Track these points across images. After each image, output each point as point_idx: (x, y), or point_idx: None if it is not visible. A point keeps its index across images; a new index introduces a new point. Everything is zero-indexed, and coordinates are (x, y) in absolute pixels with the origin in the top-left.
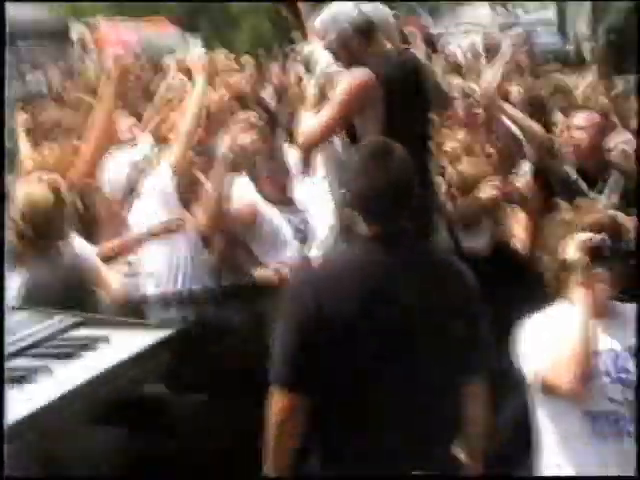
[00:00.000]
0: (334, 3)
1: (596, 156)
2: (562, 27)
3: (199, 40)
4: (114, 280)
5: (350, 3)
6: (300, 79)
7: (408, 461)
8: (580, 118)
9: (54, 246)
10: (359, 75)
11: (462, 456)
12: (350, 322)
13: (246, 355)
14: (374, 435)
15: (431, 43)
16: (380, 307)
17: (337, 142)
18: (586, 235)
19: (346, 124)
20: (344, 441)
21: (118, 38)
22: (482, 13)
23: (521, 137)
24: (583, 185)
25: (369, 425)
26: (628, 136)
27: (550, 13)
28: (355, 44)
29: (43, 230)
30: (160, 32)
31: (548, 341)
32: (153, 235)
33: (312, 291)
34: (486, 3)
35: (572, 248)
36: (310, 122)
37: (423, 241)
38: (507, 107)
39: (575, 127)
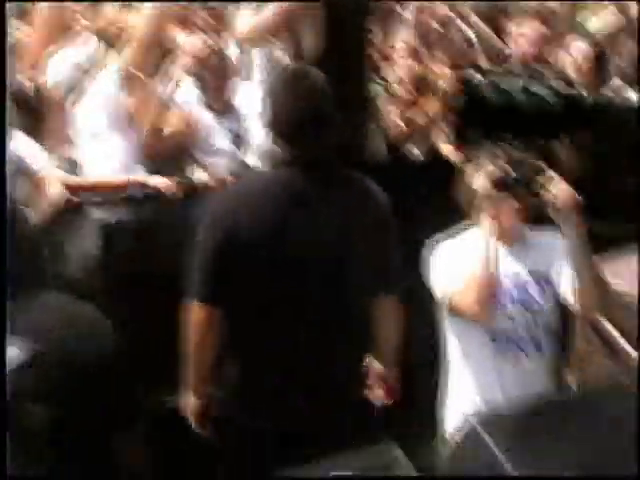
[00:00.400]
0: None
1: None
2: None
3: None
4: (54, 184)
5: None
6: None
7: (321, 371)
8: (525, 27)
9: None
10: None
11: (376, 365)
12: (263, 242)
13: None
14: (287, 346)
15: None
16: (293, 228)
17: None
18: (491, 164)
19: (286, 28)
20: (259, 351)
21: None
22: None
23: (475, 41)
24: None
25: (282, 338)
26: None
27: None
28: None
29: None
30: None
31: (457, 264)
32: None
33: (229, 211)
34: None
35: (480, 178)
36: (252, 18)
37: (341, 165)
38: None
39: (520, 35)
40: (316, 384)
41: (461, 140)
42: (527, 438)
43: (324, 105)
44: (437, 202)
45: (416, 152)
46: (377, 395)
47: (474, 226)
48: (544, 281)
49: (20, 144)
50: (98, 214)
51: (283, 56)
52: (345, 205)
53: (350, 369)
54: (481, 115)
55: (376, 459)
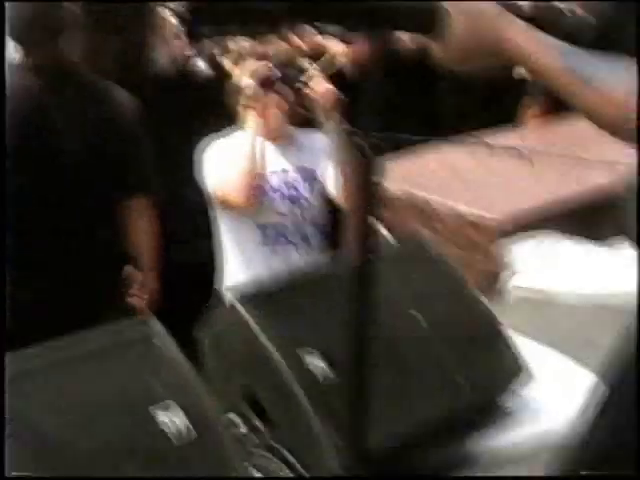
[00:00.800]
0: None
1: None
2: None
3: None
4: None
5: None
6: None
7: (75, 283)
8: None
9: None
10: None
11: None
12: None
13: None
14: (44, 256)
15: None
16: (34, 130)
17: None
18: (255, 64)
19: None
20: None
21: None
22: None
23: None
24: None
25: (39, 247)
26: None
27: None
28: None
29: None
30: None
31: (225, 161)
32: None
33: None
34: None
35: (244, 76)
36: None
37: (79, 70)
38: None
39: None
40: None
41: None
42: (283, 312)
43: (55, 11)
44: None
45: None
46: (139, 302)
47: (243, 127)
48: (311, 178)
49: None
50: None
51: None
52: (83, 110)
53: (108, 277)
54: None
55: (133, 331)
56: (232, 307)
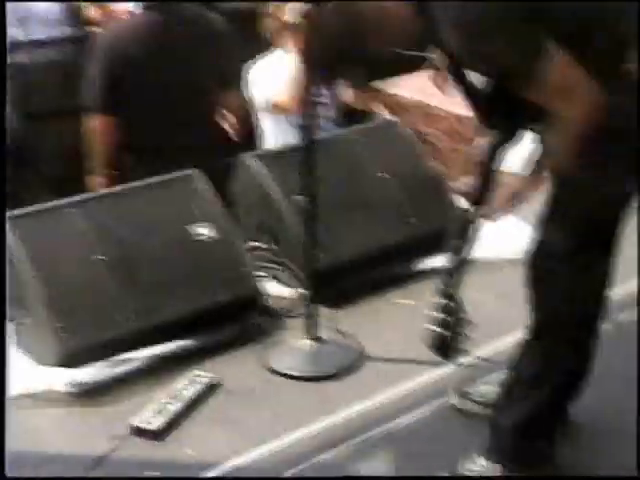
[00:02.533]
0: None
1: None
2: None
3: None
4: None
5: None
6: None
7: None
8: None
9: None
10: None
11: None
12: (140, 63)
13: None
14: (168, 146)
15: None
16: (161, 53)
17: None
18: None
19: None
20: (147, 153)
21: None
22: None
23: None
24: None
25: (164, 138)
26: None
27: None
28: None
29: None
30: None
31: (273, 76)
32: None
33: (114, 43)
34: None
35: (290, 12)
36: None
37: (189, 7)
38: None
39: None
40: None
41: None
42: (284, 167)
43: None
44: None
45: None
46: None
47: (279, 50)
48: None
49: None
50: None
51: None
52: (193, 33)
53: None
54: None
55: (182, 177)
56: (249, 163)
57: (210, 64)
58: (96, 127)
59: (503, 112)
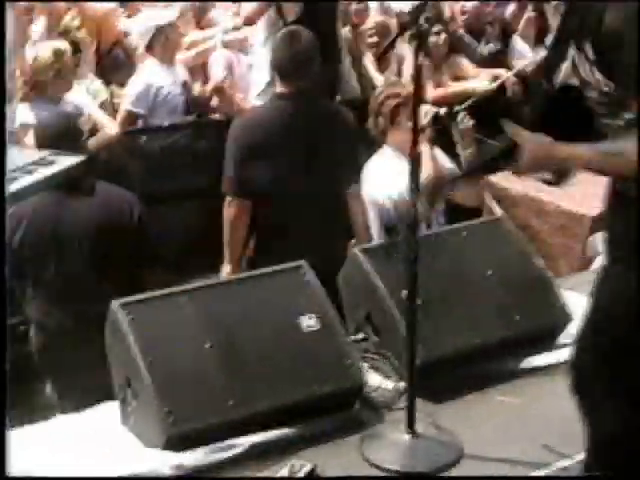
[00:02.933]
0: None
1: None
2: None
3: None
4: (110, 123)
5: None
6: None
7: (313, 250)
8: None
9: (58, 96)
10: None
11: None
12: (272, 150)
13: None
14: (292, 231)
15: None
16: (289, 141)
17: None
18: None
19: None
20: (272, 236)
21: None
22: None
23: None
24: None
25: (288, 224)
26: None
27: None
28: None
29: (54, 80)
30: None
31: (392, 174)
32: None
33: (246, 127)
34: None
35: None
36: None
37: (318, 95)
38: None
39: None
40: (312, 249)
41: None
42: (391, 262)
43: (311, 53)
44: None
45: None
46: None
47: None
48: None
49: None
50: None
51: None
52: (322, 125)
53: (338, 230)
54: None
55: (292, 270)
56: (356, 256)
57: (341, 160)
58: (231, 212)
59: None
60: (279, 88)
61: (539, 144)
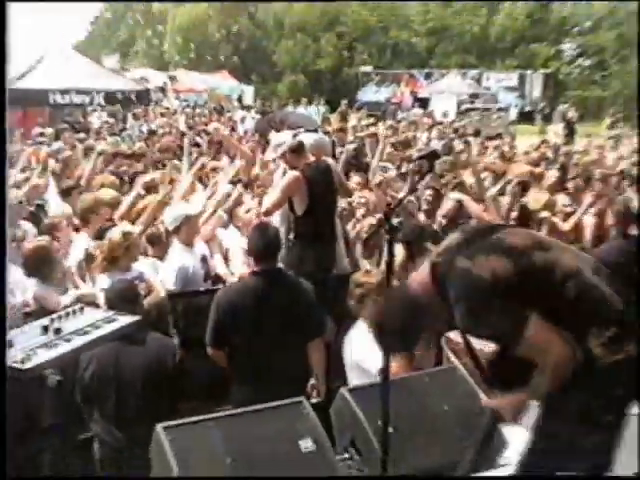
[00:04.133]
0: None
1: None
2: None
3: (252, 88)
4: (159, 287)
5: (290, 132)
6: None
7: (280, 389)
8: None
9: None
10: (291, 175)
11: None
12: (243, 316)
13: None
14: (260, 373)
15: (418, 99)
16: (260, 307)
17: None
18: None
19: (286, 200)
20: (246, 374)
21: (191, 85)
22: (455, 81)
23: None
24: None
25: (258, 368)
26: None
27: (513, 81)
28: (292, 157)
29: (124, 254)
30: (223, 82)
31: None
32: None
33: (225, 298)
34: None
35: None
36: (267, 200)
37: (285, 272)
38: None
39: None
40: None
41: None
42: (373, 399)
43: (277, 242)
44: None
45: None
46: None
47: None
48: None
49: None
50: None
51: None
52: (286, 294)
53: (299, 373)
54: None
55: (293, 404)
56: (343, 395)
57: (300, 320)
58: (213, 355)
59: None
60: (254, 267)
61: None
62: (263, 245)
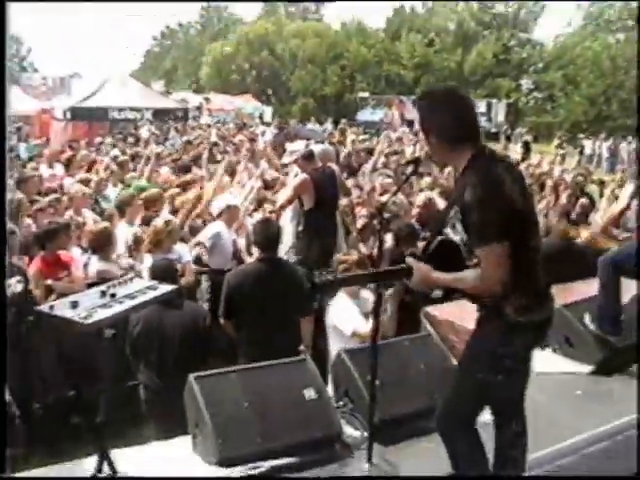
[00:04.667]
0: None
1: None
2: (489, 116)
3: (270, 108)
4: (191, 267)
5: (302, 142)
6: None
7: (277, 354)
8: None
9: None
10: (302, 177)
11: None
12: (247, 295)
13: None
14: (260, 341)
15: (406, 120)
16: (262, 289)
17: (295, 207)
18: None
19: (297, 198)
20: (248, 343)
21: (222, 106)
22: None
23: None
24: None
25: (258, 338)
26: None
27: (482, 108)
28: (303, 163)
29: (166, 238)
30: (247, 103)
31: (352, 313)
32: None
33: (234, 279)
34: None
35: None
36: (281, 197)
37: (283, 260)
38: None
39: None
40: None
41: None
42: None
43: (277, 234)
44: None
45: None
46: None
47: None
48: None
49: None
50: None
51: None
52: (284, 279)
53: (293, 343)
54: None
55: (297, 361)
56: (340, 355)
57: (294, 300)
58: (224, 325)
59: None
60: (258, 255)
61: (422, 271)
62: (265, 237)
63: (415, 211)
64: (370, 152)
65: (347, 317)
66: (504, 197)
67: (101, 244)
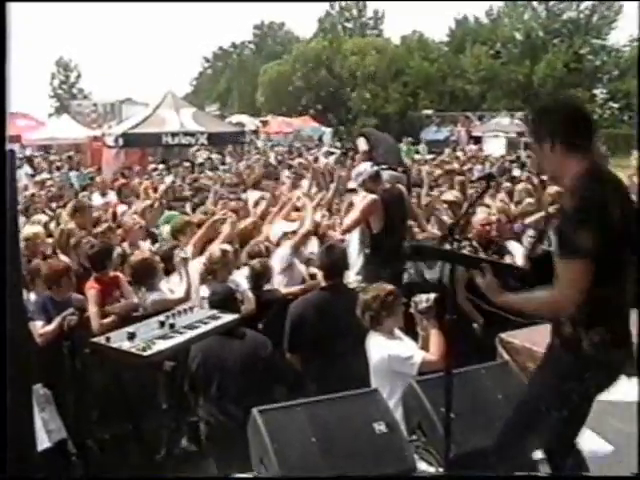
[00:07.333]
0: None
1: None
2: None
3: (330, 129)
4: (250, 295)
5: (368, 164)
6: None
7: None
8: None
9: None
10: (370, 198)
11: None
12: (312, 327)
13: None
14: (328, 377)
15: (473, 137)
16: (330, 319)
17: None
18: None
19: (365, 220)
20: (314, 375)
21: (279, 128)
22: (504, 122)
23: None
24: None
25: (330, 372)
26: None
27: None
28: (371, 184)
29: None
30: (306, 125)
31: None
32: None
33: (295, 310)
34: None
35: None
36: (347, 219)
37: (347, 287)
38: None
39: None
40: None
41: None
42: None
43: (345, 261)
44: None
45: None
46: None
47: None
48: None
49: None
50: None
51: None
52: (347, 308)
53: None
54: None
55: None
56: (412, 386)
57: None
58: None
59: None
60: (323, 283)
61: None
62: (330, 264)
63: (475, 230)
64: (447, 172)
65: (406, 348)
66: (601, 212)
67: (142, 275)
